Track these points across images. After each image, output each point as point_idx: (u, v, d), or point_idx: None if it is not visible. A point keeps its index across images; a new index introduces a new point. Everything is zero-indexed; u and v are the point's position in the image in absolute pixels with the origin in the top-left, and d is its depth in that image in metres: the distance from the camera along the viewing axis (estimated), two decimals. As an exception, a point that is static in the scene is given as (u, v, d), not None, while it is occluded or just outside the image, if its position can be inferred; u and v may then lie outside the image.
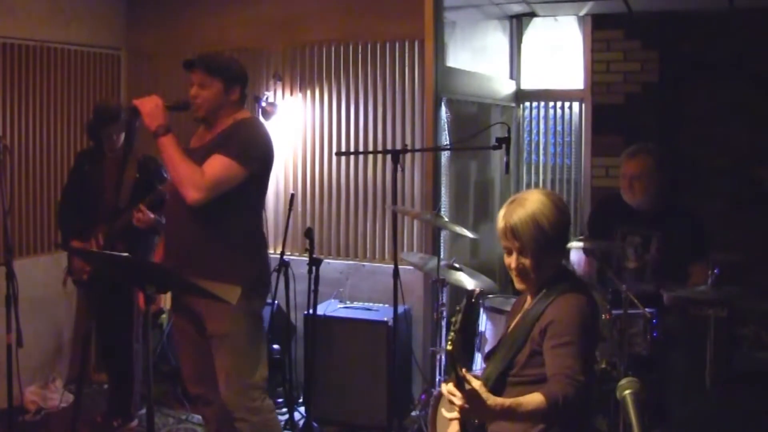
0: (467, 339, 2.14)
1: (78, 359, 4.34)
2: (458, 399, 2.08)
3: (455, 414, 2.15)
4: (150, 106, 3.13)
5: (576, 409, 2.23)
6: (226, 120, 3.27)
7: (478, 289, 2.33)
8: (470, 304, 2.11)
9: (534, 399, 2.18)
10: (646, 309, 3.52)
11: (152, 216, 3.97)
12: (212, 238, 3.18)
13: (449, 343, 2.02)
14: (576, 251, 3.96)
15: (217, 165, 3.11)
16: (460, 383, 2.07)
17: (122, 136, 4.20)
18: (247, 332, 3.22)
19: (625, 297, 3.46)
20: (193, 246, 3.20)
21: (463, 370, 2.06)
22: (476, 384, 2.11)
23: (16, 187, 4.76)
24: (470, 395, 2.08)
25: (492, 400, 2.14)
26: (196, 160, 3.17)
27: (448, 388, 2.12)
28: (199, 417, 4.49)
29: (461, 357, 2.04)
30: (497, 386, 2.37)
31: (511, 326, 2.49)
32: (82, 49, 5.16)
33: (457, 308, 2.09)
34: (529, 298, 2.48)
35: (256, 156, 3.20)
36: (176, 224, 3.29)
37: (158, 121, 3.12)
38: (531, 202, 2.36)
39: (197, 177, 3.08)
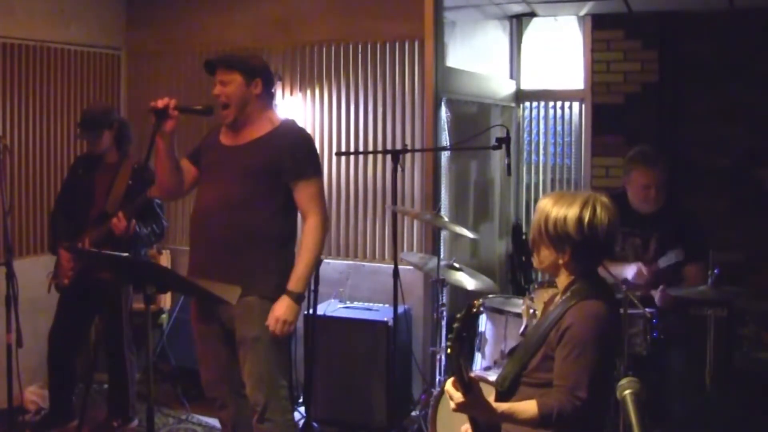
0: (467, 340, 2.15)
1: (54, 362, 4.33)
2: (456, 398, 2.11)
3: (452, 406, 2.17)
4: (285, 311, 3.17)
5: (572, 423, 2.20)
6: (259, 118, 3.27)
7: (479, 301, 2.32)
8: (470, 314, 2.11)
9: (528, 409, 2.20)
10: (646, 309, 3.53)
11: (126, 224, 3.88)
12: (254, 240, 3.21)
13: (449, 347, 2.04)
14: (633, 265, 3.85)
15: (312, 193, 3.26)
16: (461, 384, 2.08)
17: (105, 139, 4.19)
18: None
19: (625, 297, 3.46)
20: (227, 247, 3.21)
21: (463, 371, 2.08)
22: (475, 386, 2.12)
23: (16, 187, 4.76)
24: (469, 397, 2.10)
25: (488, 404, 2.16)
26: (236, 159, 3.22)
27: (447, 387, 2.15)
28: (199, 417, 4.52)
29: (460, 360, 2.05)
30: (512, 386, 2.37)
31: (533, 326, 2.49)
32: (82, 49, 5.15)
33: (458, 316, 2.09)
34: (557, 298, 2.44)
35: (318, 160, 3.39)
36: (210, 225, 3.27)
37: (296, 310, 3.20)
38: (577, 201, 2.34)
39: (320, 224, 3.25)
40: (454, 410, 2.13)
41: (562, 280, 2.39)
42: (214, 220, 3.24)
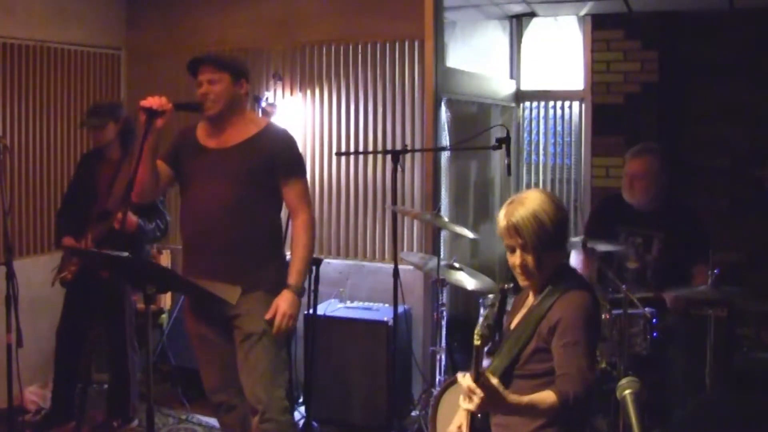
0: (492, 333, 2.21)
1: (61, 359, 4.33)
2: (478, 394, 2.11)
3: (471, 406, 2.17)
4: (289, 305, 3.23)
5: (584, 407, 2.29)
6: (242, 119, 3.34)
7: (507, 285, 2.38)
8: (503, 298, 2.16)
9: (548, 398, 2.24)
10: (646, 309, 3.53)
11: (134, 219, 3.95)
12: (254, 240, 3.28)
13: (478, 337, 2.05)
14: (576, 253, 3.96)
15: (301, 191, 3.38)
16: (481, 379, 2.10)
17: (109, 130, 4.19)
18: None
19: (625, 297, 3.46)
20: (230, 247, 3.24)
21: (485, 366, 2.10)
22: (495, 381, 2.15)
23: (16, 187, 4.77)
24: (491, 392, 2.12)
25: (510, 397, 2.19)
26: (229, 161, 3.25)
27: (468, 383, 2.13)
28: (199, 417, 4.51)
29: (482, 354, 2.07)
30: (503, 380, 2.39)
31: (515, 322, 2.51)
32: (82, 49, 5.16)
33: (490, 303, 2.13)
34: (531, 295, 2.50)
35: (303, 161, 3.49)
36: (211, 227, 3.27)
37: (298, 304, 3.30)
38: (531, 201, 2.41)
39: (311, 220, 3.38)
40: (476, 409, 2.14)
41: (536, 280, 2.44)
42: (212, 223, 3.24)
